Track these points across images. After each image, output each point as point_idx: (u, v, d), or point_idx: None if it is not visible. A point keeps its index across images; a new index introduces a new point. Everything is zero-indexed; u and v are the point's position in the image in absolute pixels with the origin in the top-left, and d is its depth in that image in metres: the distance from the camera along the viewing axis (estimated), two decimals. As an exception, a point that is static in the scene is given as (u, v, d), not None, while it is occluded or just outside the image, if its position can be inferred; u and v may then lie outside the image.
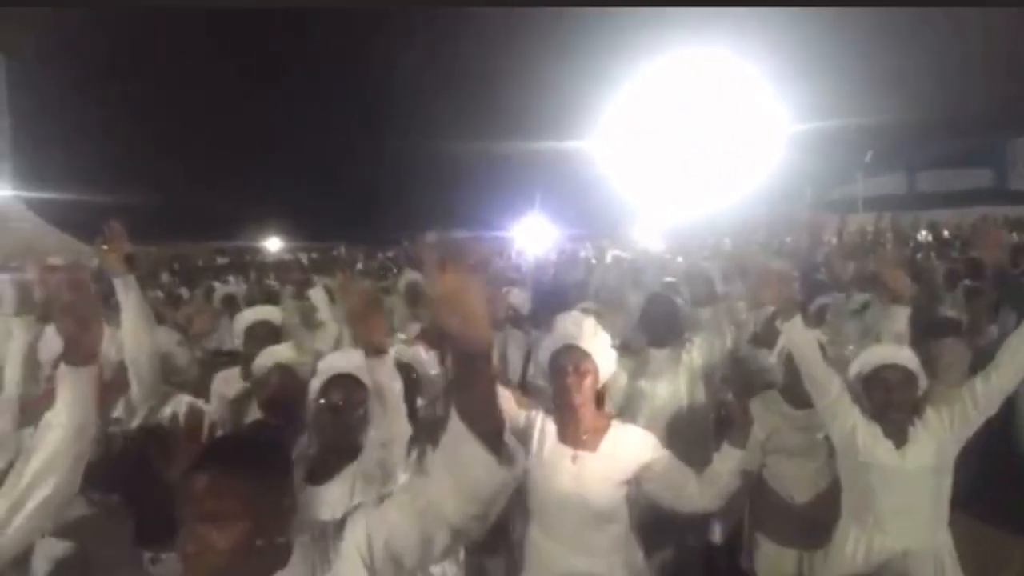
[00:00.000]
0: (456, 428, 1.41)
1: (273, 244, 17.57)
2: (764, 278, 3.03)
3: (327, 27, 29.38)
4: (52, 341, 2.80)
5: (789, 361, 3.25)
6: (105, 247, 2.98)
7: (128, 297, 2.90)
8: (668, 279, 6.00)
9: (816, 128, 20.38)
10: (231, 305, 6.40)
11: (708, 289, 5.18)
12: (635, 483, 2.74)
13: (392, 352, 2.49)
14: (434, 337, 3.38)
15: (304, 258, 15.50)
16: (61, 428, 1.78)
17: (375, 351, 2.29)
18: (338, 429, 2.51)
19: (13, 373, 2.99)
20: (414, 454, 2.61)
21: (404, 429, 2.42)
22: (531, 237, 11.89)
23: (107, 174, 19.28)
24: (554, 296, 5.96)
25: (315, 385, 2.63)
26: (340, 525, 1.58)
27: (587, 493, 2.66)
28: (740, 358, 4.12)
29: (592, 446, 2.73)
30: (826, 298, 4.97)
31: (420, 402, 2.97)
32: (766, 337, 4.12)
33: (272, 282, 8.15)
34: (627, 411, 3.80)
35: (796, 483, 3.31)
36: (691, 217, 19.70)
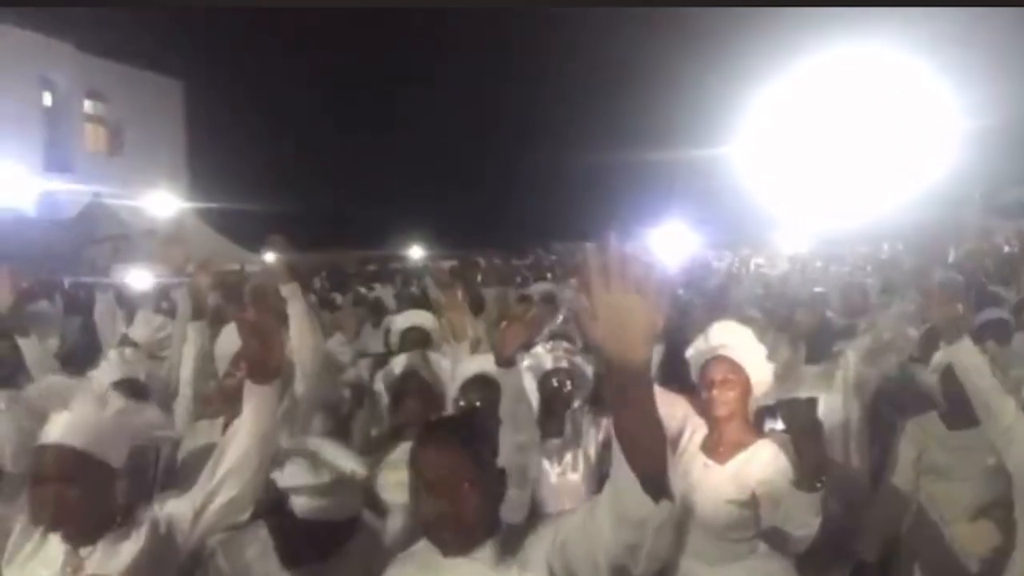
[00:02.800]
0: (617, 455, 1.36)
1: (415, 252, 18.22)
2: (929, 295, 2.81)
3: (459, 44, 30.37)
4: (226, 341, 3.07)
5: (946, 381, 3.02)
6: (271, 257, 3.26)
7: (293, 301, 3.13)
8: (818, 289, 5.73)
9: (986, 126, 18.65)
10: (377, 311, 6.68)
11: (863, 301, 4.91)
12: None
13: (524, 362, 2.75)
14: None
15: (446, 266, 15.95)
16: (247, 436, 2.01)
17: (505, 362, 2.54)
18: None
19: (187, 373, 3.33)
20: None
21: (535, 434, 2.60)
22: (669, 245, 11.59)
23: (268, 188, 20.96)
24: (690, 306, 5.82)
25: (454, 387, 2.86)
26: (528, 529, 1.66)
27: (700, 502, 2.59)
28: (899, 377, 3.85)
29: (723, 459, 2.65)
30: (994, 312, 4.55)
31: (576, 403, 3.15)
32: (926, 354, 3.84)
33: (414, 289, 8.45)
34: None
35: (949, 506, 3.09)
36: (845, 224, 18.60)
